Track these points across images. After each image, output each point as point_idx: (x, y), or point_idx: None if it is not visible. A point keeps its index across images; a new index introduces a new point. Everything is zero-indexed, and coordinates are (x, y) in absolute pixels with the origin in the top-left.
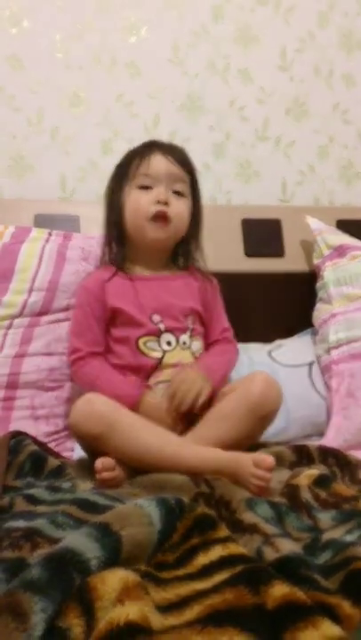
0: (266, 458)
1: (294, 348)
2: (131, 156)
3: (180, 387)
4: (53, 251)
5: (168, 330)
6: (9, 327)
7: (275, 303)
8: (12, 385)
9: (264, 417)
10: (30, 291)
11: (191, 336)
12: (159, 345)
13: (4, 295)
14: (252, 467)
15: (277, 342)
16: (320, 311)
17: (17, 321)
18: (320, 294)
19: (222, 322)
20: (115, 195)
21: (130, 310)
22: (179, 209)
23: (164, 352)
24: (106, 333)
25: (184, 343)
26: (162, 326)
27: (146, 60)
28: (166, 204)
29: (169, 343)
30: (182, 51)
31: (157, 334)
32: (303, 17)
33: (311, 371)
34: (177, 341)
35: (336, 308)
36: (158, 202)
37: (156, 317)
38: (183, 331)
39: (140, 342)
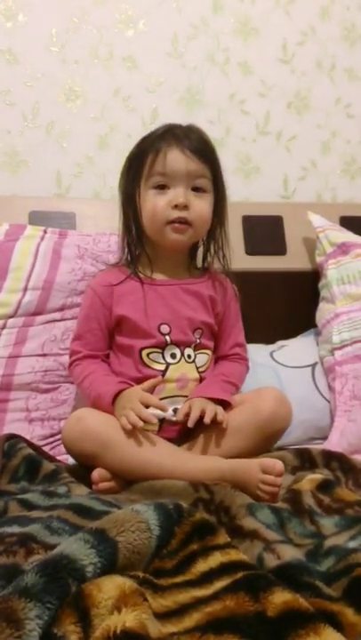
0: (275, 463)
1: (297, 349)
2: (144, 149)
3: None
4: (49, 249)
5: (174, 342)
6: (3, 327)
7: (277, 303)
8: (6, 386)
9: (273, 435)
10: (25, 290)
11: (196, 349)
12: (163, 357)
13: None
14: (261, 473)
15: (279, 343)
16: (323, 311)
17: (11, 321)
18: (323, 293)
19: (235, 336)
20: (129, 193)
21: (137, 319)
22: (199, 209)
23: (168, 365)
24: (110, 339)
25: (189, 356)
26: (168, 338)
27: (143, 54)
28: (185, 207)
29: (173, 356)
30: (181, 44)
31: (162, 346)
32: (305, 9)
33: (314, 372)
34: (182, 354)
35: (339, 308)
36: (176, 206)
37: (165, 328)
38: (189, 344)
39: (144, 353)
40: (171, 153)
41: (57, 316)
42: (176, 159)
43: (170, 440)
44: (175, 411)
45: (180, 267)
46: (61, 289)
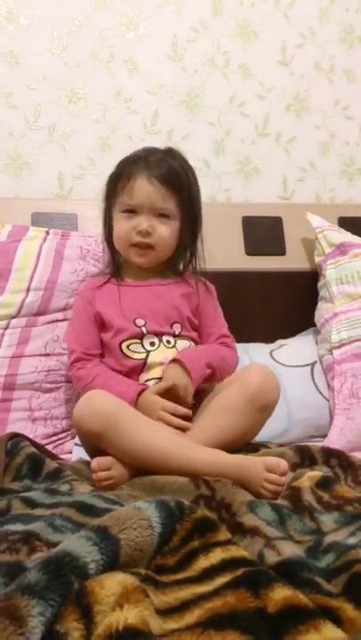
0: (280, 462)
1: (296, 348)
2: (119, 171)
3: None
4: (51, 249)
5: (151, 332)
6: (6, 328)
7: (276, 302)
8: (9, 386)
9: (263, 407)
10: (28, 290)
11: (175, 337)
12: (142, 346)
13: (1, 295)
14: (265, 472)
15: (279, 342)
16: (322, 310)
17: (14, 321)
18: (322, 293)
19: (220, 328)
20: (107, 210)
21: (112, 315)
22: (163, 234)
23: (148, 352)
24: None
25: (168, 342)
26: (145, 329)
27: (144, 56)
28: (148, 233)
29: (152, 344)
30: (181, 46)
31: (140, 336)
32: (303, 12)
33: (313, 371)
34: (160, 341)
35: (338, 307)
36: (139, 232)
37: (140, 321)
38: (167, 334)
39: (124, 346)
40: (138, 182)
41: (59, 316)
42: (142, 189)
43: None
44: None
45: (151, 275)
46: (64, 289)
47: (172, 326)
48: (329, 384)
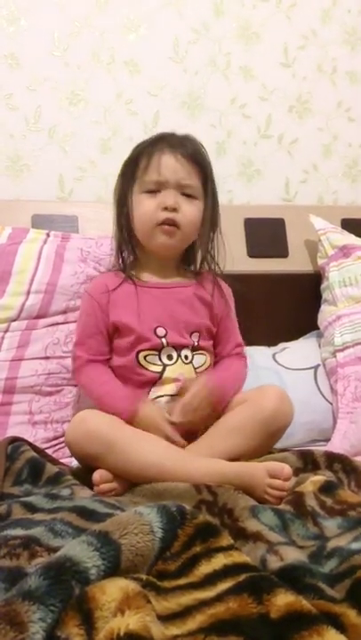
0: (283, 468)
1: (299, 352)
2: (138, 153)
3: (191, 402)
4: (51, 252)
5: (170, 344)
6: (6, 330)
7: (278, 305)
8: (9, 389)
9: (275, 432)
10: (28, 293)
11: (193, 351)
12: (160, 359)
13: (1, 298)
14: (268, 477)
15: (282, 345)
16: (325, 313)
17: (14, 324)
18: (325, 295)
19: (235, 337)
20: (123, 196)
21: (132, 324)
22: (189, 214)
23: (165, 366)
24: (110, 342)
25: (186, 357)
26: (165, 341)
27: (145, 58)
28: (175, 210)
29: (170, 357)
30: (182, 48)
31: (159, 348)
32: (305, 13)
33: (317, 374)
34: (178, 356)
35: (341, 310)
36: (166, 208)
37: (161, 331)
38: (186, 346)
39: (141, 356)
40: (163, 158)
41: (60, 318)
42: (168, 164)
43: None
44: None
45: (171, 271)
46: (64, 292)
47: (191, 335)
48: (332, 387)
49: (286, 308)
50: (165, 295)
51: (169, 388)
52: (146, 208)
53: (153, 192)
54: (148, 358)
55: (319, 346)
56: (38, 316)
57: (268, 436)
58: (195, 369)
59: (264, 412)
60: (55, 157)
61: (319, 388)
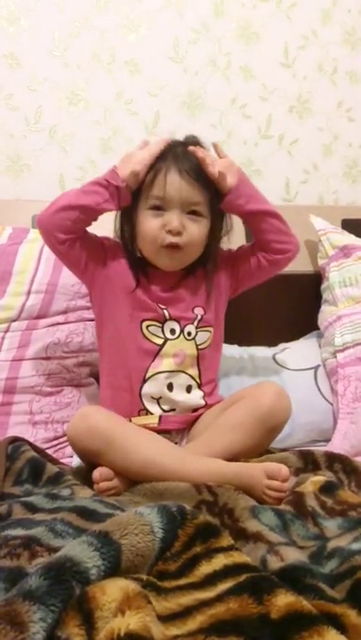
0: (280, 469)
1: (299, 352)
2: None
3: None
4: (52, 252)
5: (173, 318)
6: (6, 331)
7: (279, 305)
8: (10, 389)
9: (273, 428)
10: (28, 293)
11: (198, 327)
12: (162, 332)
13: (2, 298)
14: (266, 479)
15: (282, 346)
16: (325, 313)
17: (15, 324)
18: (325, 296)
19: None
20: (127, 208)
21: (137, 292)
22: (193, 234)
23: (166, 339)
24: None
25: (189, 334)
26: (167, 313)
27: (145, 58)
28: (179, 232)
29: (172, 331)
30: (183, 48)
31: (162, 320)
32: (306, 13)
33: (317, 375)
34: (181, 331)
35: (342, 310)
36: (170, 231)
37: (162, 305)
38: (190, 320)
39: (144, 325)
40: (169, 176)
41: (60, 319)
42: (173, 184)
43: (170, 432)
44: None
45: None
46: (65, 292)
47: (193, 310)
48: (333, 388)
49: (286, 308)
50: (170, 277)
51: (167, 364)
52: (151, 227)
53: (158, 209)
54: (150, 329)
55: (319, 346)
56: (39, 317)
57: (266, 433)
58: (197, 345)
59: (262, 408)
60: (55, 157)
61: (319, 389)
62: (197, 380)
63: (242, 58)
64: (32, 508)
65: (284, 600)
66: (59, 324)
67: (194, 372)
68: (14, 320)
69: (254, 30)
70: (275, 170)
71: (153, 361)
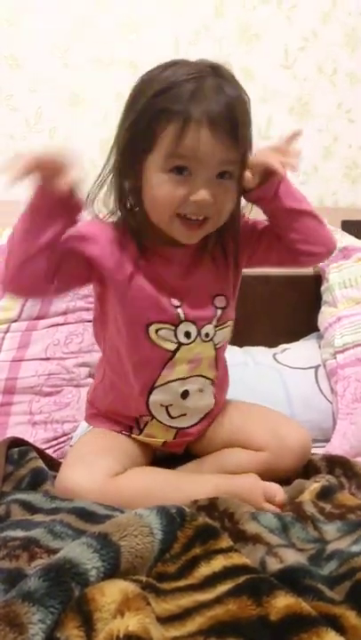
0: (277, 494)
1: (299, 353)
2: (165, 109)
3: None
4: None
5: (189, 319)
6: (6, 331)
7: (279, 306)
8: (10, 390)
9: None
10: None
11: (218, 325)
12: (175, 336)
13: (1, 299)
14: (264, 501)
15: (282, 346)
16: (325, 314)
17: (14, 325)
18: (325, 297)
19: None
20: (130, 165)
21: (145, 285)
22: (221, 202)
23: (180, 344)
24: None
25: (206, 335)
26: (182, 313)
27: (146, 59)
28: (208, 206)
29: (188, 334)
30: (183, 49)
31: (176, 323)
32: (306, 15)
33: (317, 374)
34: (198, 334)
35: (341, 311)
36: (196, 202)
37: (175, 301)
38: (208, 320)
39: (152, 329)
40: (202, 132)
41: (60, 319)
42: (206, 141)
43: (174, 455)
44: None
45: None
46: None
47: (213, 300)
48: (332, 388)
49: (287, 309)
50: (179, 260)
51: (181, 371)
52: (171, 195)
53: (181, 171)
54: (160, 332)
55: (319, 347)
56: (38, 317)
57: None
58: (215, 345)
59: (281, 472)
60: None
61: (320, 388)
62: (213, 379)
63: (242, 59)
64: (31, 508)
65: (283, 602)
66: (58, 324)
67: (211, 373)
68: (14, 321)
69: (254, 32)
70: None
71: (163, 369)
